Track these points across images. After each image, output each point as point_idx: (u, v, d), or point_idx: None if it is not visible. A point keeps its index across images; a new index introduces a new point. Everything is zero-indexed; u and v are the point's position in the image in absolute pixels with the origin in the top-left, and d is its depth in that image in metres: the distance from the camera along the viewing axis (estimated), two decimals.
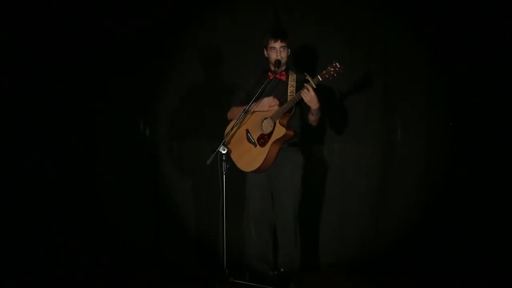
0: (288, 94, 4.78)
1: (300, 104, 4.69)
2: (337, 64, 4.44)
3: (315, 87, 4.49)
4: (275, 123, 4.73)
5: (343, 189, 5.71)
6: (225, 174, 4.57)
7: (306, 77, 4.50)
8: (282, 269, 4.98)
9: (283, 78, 4.86)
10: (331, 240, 5.67)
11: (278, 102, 4.68)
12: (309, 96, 4.52)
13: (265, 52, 4.88)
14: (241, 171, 4.83)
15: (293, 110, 4.76)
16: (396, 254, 5.44)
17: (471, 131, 5.34)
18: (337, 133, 5.65)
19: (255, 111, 4.75)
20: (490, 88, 5.26)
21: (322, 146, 5.72)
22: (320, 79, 4.49)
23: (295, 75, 4.84)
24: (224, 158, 4.56)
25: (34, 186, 5.64)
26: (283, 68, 4.85)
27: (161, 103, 5.95)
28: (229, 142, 4.79)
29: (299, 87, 4.66)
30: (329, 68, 4.46)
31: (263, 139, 4.77)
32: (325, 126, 5.59)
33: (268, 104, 4.72)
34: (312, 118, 4.76)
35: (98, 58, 5.70)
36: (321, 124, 4.94)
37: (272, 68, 4.82)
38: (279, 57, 4.76)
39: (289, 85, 4.81)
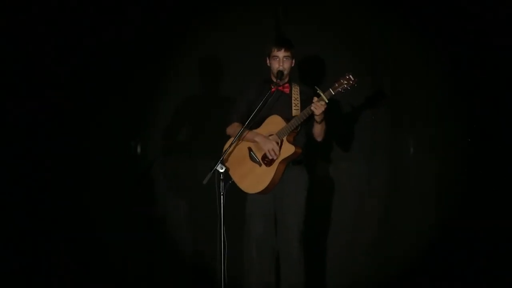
0: (293, 108, 4.72)
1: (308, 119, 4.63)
2: (350, 76, 4.40)
3: (327, 101, 4.43)
4: (282, 141, 4.64)
5: (351, 211, 5.67)
6: (223, 194, 4.40)
7: (318, 91, 4.44)
8: None
9: (287, 90, 4.80)
10: (338, 265, 5.61)
11: (278, 151, 4.60)
12: (322, 109, 4.46)
13: (267, 61, 4.78)
14: (241, 190, 4.74)
15: (300, 126, 4.68)
16: (407, 281, 5.39)
17: (489, 146, 5.28)
18: (344, 150, 5.62)
19: (256, 141, 4.69)
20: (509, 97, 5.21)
21: (328, 164, 5.68)
22: (333, 93, 4.43)
23: (298, 87, 4.79)
24: (222, 177, 4.39)
25: (23, 204, 5.58)
26: (286, 80, 4.77)
27: (155, 117, 5.91)
28: (228, 160, 4.66)
29: (305, 100, 4.64)
30: (341, 80, 4.41)
31: (268, 158, 4.66)
32: (331, 142, 5.55)
33: (271, 149, 4.64)
34: (318, 131, 4.70)
35: (86, 69, 5.68)
36: (326, 139, 4.84)
37: (274, 80, 4.70)
38: (281, 68, 4.67)
39: (293, 98, 4.75)
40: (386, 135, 5.64)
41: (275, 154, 4.57)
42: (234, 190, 4.70)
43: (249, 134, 4.65)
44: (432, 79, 5.50)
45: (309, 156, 4.92)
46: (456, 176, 5.42)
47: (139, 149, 5.91)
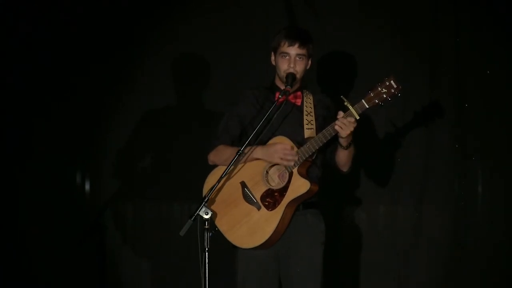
0: (304, 126, 4.12)
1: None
2: (392, 82, 3.80)
3: (358, 117, 3.89)
4: (291, 174, 4.04)
5: (393, 276, 5.09)
6: (207, 251, 3.74)
7: (345, 103, 3.89)
8: None
9: (299, 101, 4.19)
10: None
11: (295, 154, 4.04)
12: (351, 129, 3.92)
13: (272, 59, 4.17)
14: (234, 245, 4.13)
15: (316, 152, 4.07)
16: None
17: None
18: (381, 185, 5.10)
19: (258, 159, 4.13)
20: None
21: (358, 208, 5.19)
22: (366, 106, 3.89)
23: (311, 96, 4.23)
24: (207, 226, 3.74)
25: None
26: (297, 86, 4.17)
27: (108, 141, 5.51)
28: (214, 201, 4.04)
29: (322, 115, 4.13)
30: (379, 88, 3.83)
31: (271, 198, 4.03)
32: (361, 175, 5.08)
33: (282, 153, 4.04)
34: (343, 159, 4.10)
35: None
36: (354, 171, 4.23)
37: (282, 87, 4.08)
38: (292, 70, 4.05)
39: (305, 112, 4.15)
40: (446, 169, 5.02)
41: (293, 158, 4.01)
42: (223, 242, 4.10)
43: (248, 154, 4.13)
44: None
45: (329, 197, 4.34)
46: None
47: (87, 186, 5.55)
